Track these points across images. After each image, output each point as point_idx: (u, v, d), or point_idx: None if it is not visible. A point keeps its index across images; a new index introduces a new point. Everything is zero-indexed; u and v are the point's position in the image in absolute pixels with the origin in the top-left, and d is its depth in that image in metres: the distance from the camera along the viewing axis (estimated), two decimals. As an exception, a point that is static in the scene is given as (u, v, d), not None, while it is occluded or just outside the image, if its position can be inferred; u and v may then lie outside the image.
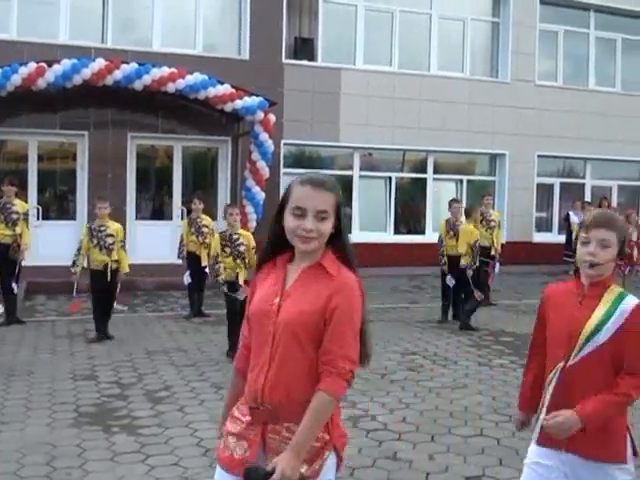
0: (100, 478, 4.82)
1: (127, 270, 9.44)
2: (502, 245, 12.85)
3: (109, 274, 9.08)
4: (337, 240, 2.59)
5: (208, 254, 10.52)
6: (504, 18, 18.50)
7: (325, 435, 2.53)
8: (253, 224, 14.68)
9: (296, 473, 2.35)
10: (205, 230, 11.09)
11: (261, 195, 14.84)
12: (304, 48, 16.75)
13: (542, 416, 2.95)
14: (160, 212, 15.97)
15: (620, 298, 2.89)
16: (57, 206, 15.34)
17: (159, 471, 4.94)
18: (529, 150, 18.46)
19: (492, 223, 12.43)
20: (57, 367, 7.74)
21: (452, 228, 11.13)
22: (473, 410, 6.43)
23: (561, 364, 2.90)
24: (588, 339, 2.85)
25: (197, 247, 11.04)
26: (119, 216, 11.75)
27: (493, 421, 6.10)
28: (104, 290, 9.15)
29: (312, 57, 16.81)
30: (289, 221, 2.52)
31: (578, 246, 2.92)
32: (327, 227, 2.52)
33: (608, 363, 2.85)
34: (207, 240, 10.91)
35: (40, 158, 14.94)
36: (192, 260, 11.02)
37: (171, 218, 15.61)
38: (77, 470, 4.94)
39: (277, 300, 2.55)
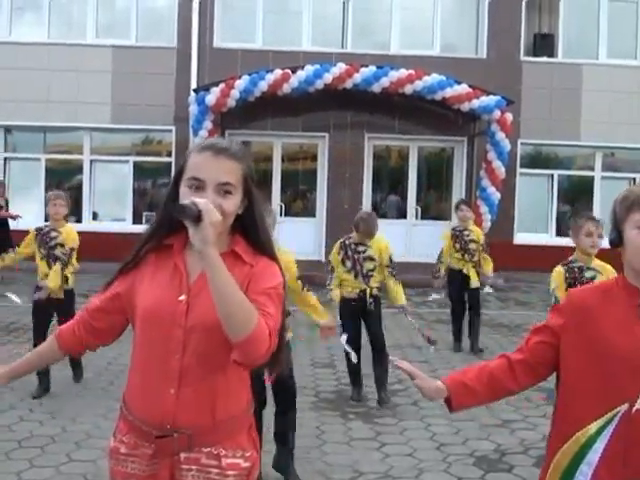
0: (337, 460, 5.03)
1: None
2: None
3: (368, 301, 6.83)
4: (248, 224, 2.14)
5: (478, 273, 8.67)
6: None
7: (254, 453, 2.17)
8: (487, 224, 14.49)
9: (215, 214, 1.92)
10: (472, 247, 8.55)
11: (496, 195, 14.62)
12: (544, 44, 16.27)
13: None
14: (395, 211, 16.23)
15: None
16: (298, 203, 16.15)
17: (394, 459, 5.05)
18: None
19: None
20: (298, 354, 8.11)
21: None
22: None
23: (623, 407, 2.10)
24: None
25: (462, 264, 8.61)
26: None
27: None
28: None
29: (552, 53, 16.25)
30: (185, 195, 2.04)
31: (634, 233, 2.11)
32: (231, 204, 2.06)
33: None
34: (475, 258, 8.55)
35: (282, 158, 15.84)
36: (455, 277, 8.71)
37: (405, 217, 15.84)
38: (315, 450, 5.20)
39: (183, 298, 2.08)
